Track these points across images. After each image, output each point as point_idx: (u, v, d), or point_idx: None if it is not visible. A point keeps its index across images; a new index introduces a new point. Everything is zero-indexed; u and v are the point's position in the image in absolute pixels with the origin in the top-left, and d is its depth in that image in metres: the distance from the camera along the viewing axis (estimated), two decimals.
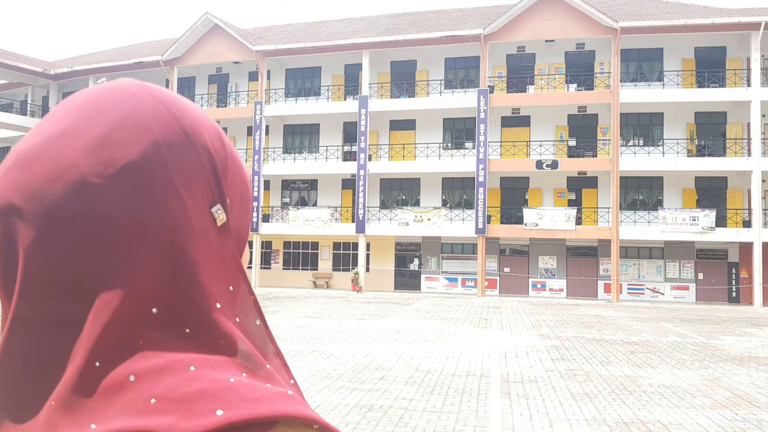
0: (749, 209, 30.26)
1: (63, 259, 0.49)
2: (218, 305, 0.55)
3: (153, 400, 0.48)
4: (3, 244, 0.50)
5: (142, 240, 0.51)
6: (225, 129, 39.10)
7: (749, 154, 30.12)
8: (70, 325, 0.49)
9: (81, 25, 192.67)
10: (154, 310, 0.52)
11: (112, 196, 0.50)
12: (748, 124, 30.78)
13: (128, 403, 0.48)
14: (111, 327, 0.49)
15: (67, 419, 0.48)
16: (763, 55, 30.88)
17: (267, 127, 37.28)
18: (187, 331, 0.53)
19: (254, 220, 35.42)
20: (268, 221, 36.37)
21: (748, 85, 30.69)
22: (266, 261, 37.50)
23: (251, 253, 36.27)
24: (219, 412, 0.48)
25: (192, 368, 0.51)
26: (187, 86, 40.36)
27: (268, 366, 0.55)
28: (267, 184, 37.50)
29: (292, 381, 0.58)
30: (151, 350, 0.51)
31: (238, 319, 0.56)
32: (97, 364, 0.49)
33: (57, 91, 42.10)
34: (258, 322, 0.58)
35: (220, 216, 0.56)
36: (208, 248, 0.55)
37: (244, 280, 0.58)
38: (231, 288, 0.56)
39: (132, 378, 0.49)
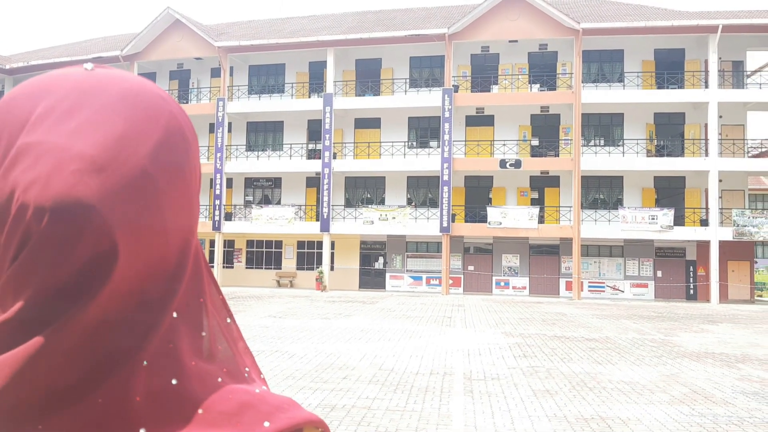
0: (706, 208, 30.94)
1: (136, 267, 0.49)
2: (211, 309, 0.57)
3: (201, 411, 0.50)
4: (71, 246, 0.46)
5: (189, 248, 0.53)
6: None
7: (706, 155, 30.79)
8: (125, 325, 0.49)
9: (37, 19, 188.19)
10: (174, 314, 0.52)
11: (174, 204, 0.50)
12: (706, 125, 31.47)
13: (175, 410, 0.50)
14: (161, 330, 0.50)
15: (117, 419, 0.48)
16: (720, 58, 31.59)
17: (230, 124, 36.83)
18: (204, 334, 0.55)
19: (216, 218, 34.96)
20: (230, 220, 35.95)
21: (706, 86, 31.36)
22: (229, 260, 37.07)
23: (213, 252, 35.82)
24: (266, 424, 0.50)
25: (219, 379, 0.53)
26: None
27: (246, 369, 0.58)
28: (230, 182, 37.07)
29: (262, 376, 0.60)
30: (181, 354, 0.51)
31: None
32: (145, 363, 0.49)
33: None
34: (228, 321, 0.60)
35: None
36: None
37: (213, 280, 0.59)
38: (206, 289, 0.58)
39: (174, 381, 0.50)
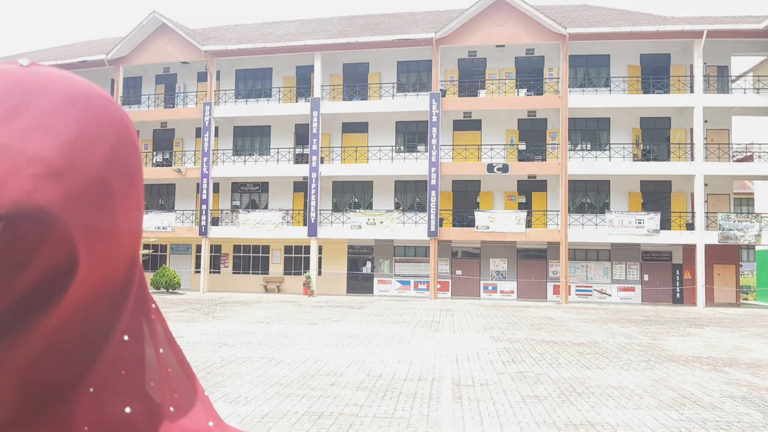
0: (692, 212, 31.13)
1: (88, 283, 0.46)
2: (161, 328, 0.55)
3: None
4: (28, 258, 0.42)
5: (136, 263, 0.51)
6: (173, 130, 38.36)
7: (692, 159, 31.00)
8: (68, 350, 0.46)
9: (21, 23, 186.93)
10: (125, 337, 0.50)
11: (126, 214, 0.48)
12: (691, 130, 31.68)
13: None
14: (109, 354, 0.48)
15: None
16: (705, 63, 31.84)
17: (216, 128, 36.66)
18: (161, 350, 0.53)
19: (203, 223, 34.73)
20: (217, 224, 35.74)
21: (691, 91, 31.58)
22: (215, 265, 36.84)
23: (200, 257, 35.59)
24: None
25: (171, 408, 0.51)
26: (133, 86, 39.39)
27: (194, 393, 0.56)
28: (216, 186, 36.86)
29: (208, 398, 0.59)
30: (134, 381, 0.49)
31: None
32: (91, 389, 0.47)
33: None
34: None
35: None
36: None
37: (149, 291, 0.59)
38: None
39: (128, 410, 0.48)
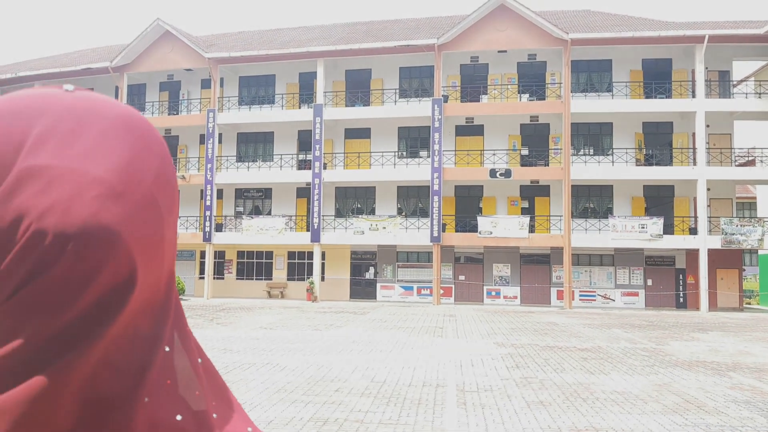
0: (695, 217, 31.12)
1: (141, 298, 0.48)
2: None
3: None
4: (95, 275, 0.44)
5: (173, 277, 0.54)
6: (177, 137, 38.50)
7: (694, 163, 31.01)
8: (122, 362, 0.48)
9: (24, 30, 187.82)
10: (166, 348, 0.51)
11: (169, 232, 0.51)
12: (694, 134, 31.71)
13: None
14: (157, 365, 0.49)
15: None
16: (707, 67, 31.88)
17: (220, 135, 36.76)
18: (199, 360, 0.54)
19: (207, 229, 34.81)
20: (221, 231, 35.82)
21: (693, 96, 31.62)
22: (219, 271, 36.90)
23: (204, 263, 35.66)
24: None
25: (214, 415, 0.52)
26: (137, 93, 39.54)
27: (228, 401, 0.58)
28: (220, 192, 36.96)
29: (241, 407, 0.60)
30: (177, 390, 0.51)
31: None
32: (146, 399, 0.48)
33: None
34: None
35: None
36: None
37: None
38: None
39: (179, 417, 0.49)
